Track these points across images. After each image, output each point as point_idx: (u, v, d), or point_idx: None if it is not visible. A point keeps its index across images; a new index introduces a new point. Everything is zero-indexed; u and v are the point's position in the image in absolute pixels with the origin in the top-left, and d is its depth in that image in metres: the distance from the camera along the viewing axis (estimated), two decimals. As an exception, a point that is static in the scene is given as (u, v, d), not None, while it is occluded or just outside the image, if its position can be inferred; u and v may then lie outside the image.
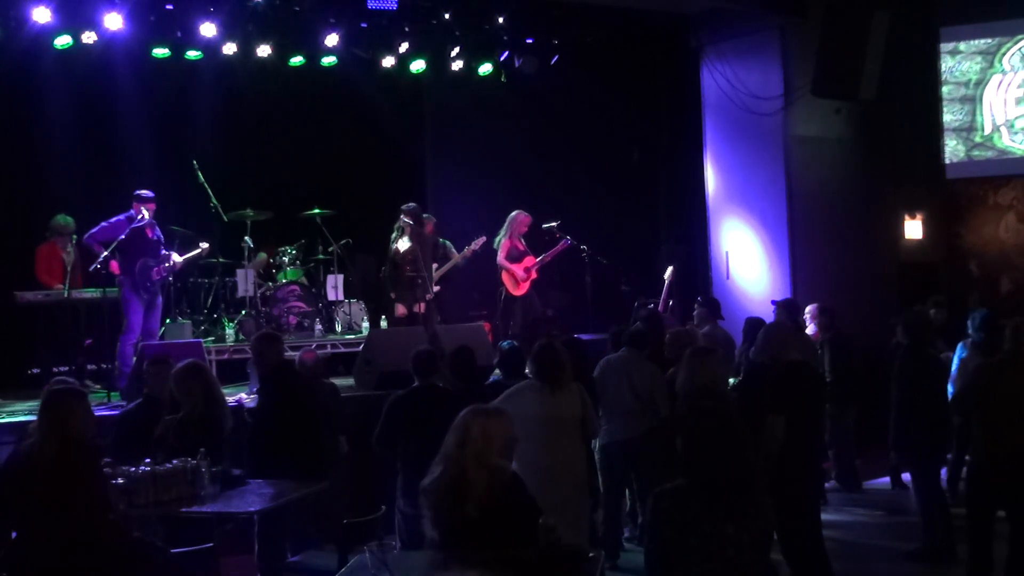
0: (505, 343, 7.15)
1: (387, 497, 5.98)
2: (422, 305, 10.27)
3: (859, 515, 8.02)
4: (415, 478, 5.69)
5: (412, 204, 10.29)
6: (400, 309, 10.36)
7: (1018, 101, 12.90)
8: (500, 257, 10.85)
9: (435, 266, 10.65)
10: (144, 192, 9.10)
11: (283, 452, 5.90)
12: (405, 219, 10.09)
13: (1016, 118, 12.91)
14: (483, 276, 11.33)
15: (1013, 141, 12.99)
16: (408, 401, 6.00)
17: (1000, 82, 12.93)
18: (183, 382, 5.83)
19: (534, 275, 10.85)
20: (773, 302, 9.34)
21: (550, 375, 5.66)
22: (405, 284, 10.15)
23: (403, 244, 10.09)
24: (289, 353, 7.35)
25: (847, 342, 8.81)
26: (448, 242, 11.03)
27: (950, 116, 13.09)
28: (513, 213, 10.91)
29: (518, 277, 10.82)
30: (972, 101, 13.10)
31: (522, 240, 10.91)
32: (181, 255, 9.44)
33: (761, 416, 5.57)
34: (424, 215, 10.71)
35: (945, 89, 13.11)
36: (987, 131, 13.02)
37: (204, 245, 9.72)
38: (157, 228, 9.23)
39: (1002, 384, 5.67)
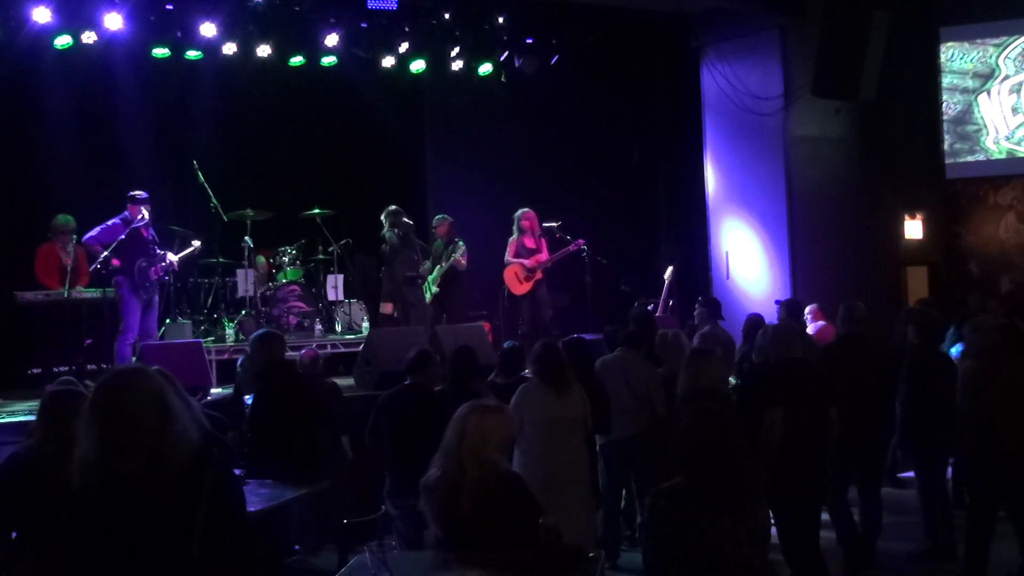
0: (507, 343, 7.15)
1: (387, 497, 5.97)
2: (388, 306, 10.57)
3: (859, 515, 8.00)
4: (400, 477, 5.71)
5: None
6: (387, 307, 10.62)
7: (1014, 110, 12.94)
8: (506, 255, 10.86)
9: (440, 266, 10.65)
10: (139, 193, 9.09)
11: (278, 452, 5.88)
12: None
13: (1016, 128, 12.94)
14: (483, 276, 11.33)
15: (1011, 143, 13.02)
16: (393, 400, 6.00)
17: (992, 92, 12.98)
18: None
19: (539, 275, 10.80)
20: (777, 302, 9.35)
21: (553, 376, 5.66)
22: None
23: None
24: (289, 353, 7.34)
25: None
26: (460, 242, 10.74)
27: (947, 105, 13.15)
28: (518, 211, 10.91)
29: (520, 275, 10.80)
30: (969, 93, 13.14)
31: (536, 238, 10.86)
32: (176, 254, 9.43)
33: (760, 414, 5.57)
34: (440, 216, 10.91)
35: (945, 80, 13.15)
36: (988, 144, 13.07)
37: (196, 243, 9.72)
38: (151, 228, 9.23)
39: (996, 383, 5.73)
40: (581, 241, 10.84)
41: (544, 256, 10.80)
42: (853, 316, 6.90)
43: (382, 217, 10.56)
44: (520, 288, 10.83)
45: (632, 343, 6.98)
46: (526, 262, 10.76)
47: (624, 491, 7.28)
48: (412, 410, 5.78)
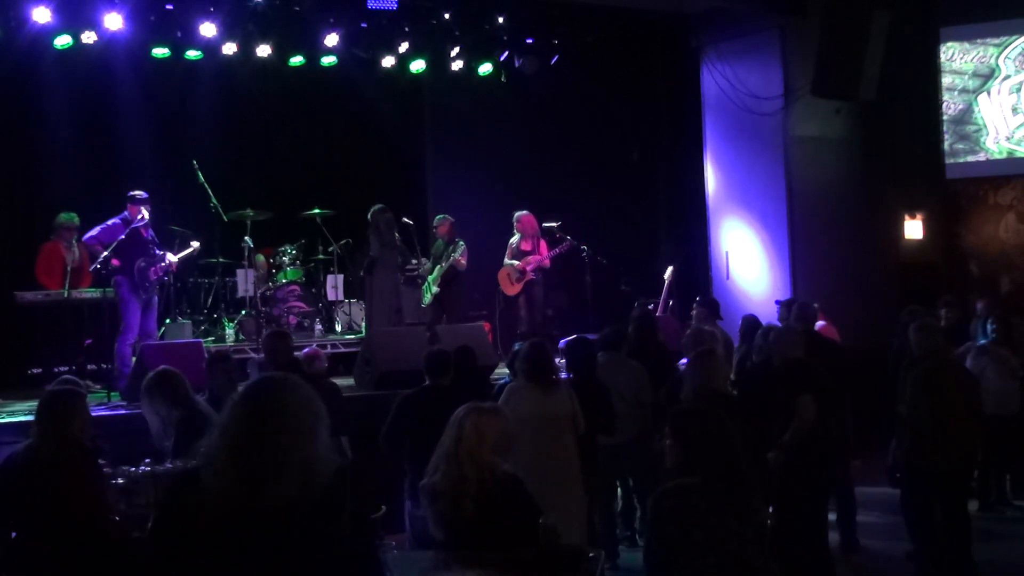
0: (517, 344, 7.11)
1: (388, 497, 5.97)
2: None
3: (859, 515, 8.00)
4: (421, 478, 5.71)
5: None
6: None
7: (1014, 110, 12.93)
8: (505, 258, 10.88)
9: (440, 266, 10.62)
10: (139, 193, 9.06)
11: None
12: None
13: (1016, 128, 12.94)
14: (483, 276, 11.33)
15: (1012, 143, 13.02)
16: (417, 400, 5.98)
17: (992, 92, 12.97)
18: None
19: (530, 276, 10.79)
20: (777, 302, 9.34)
21: (538, 375, 5.66)
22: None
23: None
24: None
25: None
26: (461, 242, 10.68)
27: (947, 105, 13.16)
28: (515, 214, 10.90)
29: (511, 276, 10.81)
30: (969, 93, 13.14)
31: (533, 240, 10.83)
32: (175, 254, 9.43)
33: (763, 414, 5.58)
34: (441, 216, 10.84)
35: (945, 80, 13.15)
36: (988, 144, 13.06)
37: (195, 244, 9.71)
38: (151, 228, 9.23)
39: (940, 384, 5.88)
40: (570, 239, 10.82)
41: (536, 257, 10.79)
42: (806, 316, 7.09)
43: (368, 216, 10.35)
44: (512, 289, 10.84)
45: (610, 345, 6.85)
46: (516, 263, 10.77)
47: (621, 492, 7.26)
48: (439, 412, 5.75)
